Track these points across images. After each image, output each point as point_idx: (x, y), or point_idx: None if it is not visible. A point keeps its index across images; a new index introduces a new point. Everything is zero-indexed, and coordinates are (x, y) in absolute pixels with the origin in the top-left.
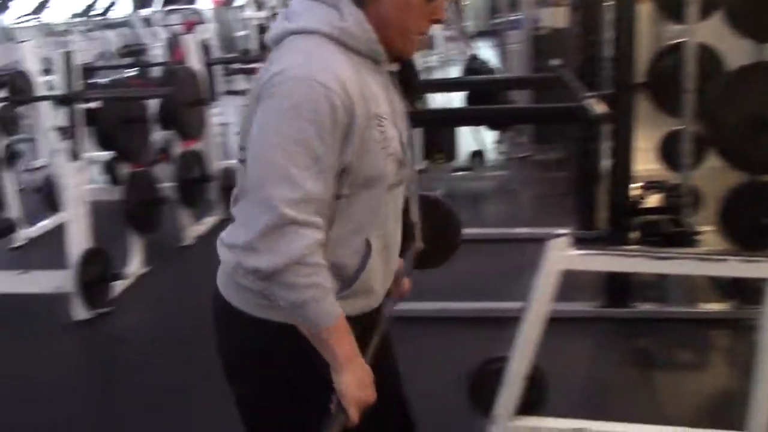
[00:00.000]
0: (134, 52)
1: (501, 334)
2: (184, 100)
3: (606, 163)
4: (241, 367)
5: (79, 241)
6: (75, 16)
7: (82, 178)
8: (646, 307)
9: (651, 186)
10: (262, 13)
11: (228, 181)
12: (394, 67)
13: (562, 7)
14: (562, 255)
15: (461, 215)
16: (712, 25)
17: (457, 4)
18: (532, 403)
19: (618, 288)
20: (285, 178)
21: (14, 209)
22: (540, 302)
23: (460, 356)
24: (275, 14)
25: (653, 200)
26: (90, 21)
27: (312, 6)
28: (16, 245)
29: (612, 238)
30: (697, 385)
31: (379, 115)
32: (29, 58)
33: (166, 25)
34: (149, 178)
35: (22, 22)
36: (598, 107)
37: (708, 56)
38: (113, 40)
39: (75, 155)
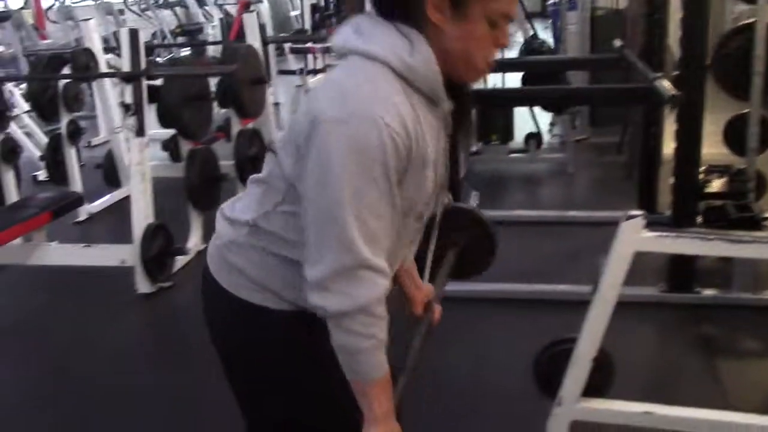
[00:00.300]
0: (189, 31)
1: (558, 317)
2: (245, 79)
3: (668, 146)
4: (229, 353)
5: (142, 216)
6: None
7: (146, 154)
8: (710, 293)
9: (715, 170)
10: None
11: None
12: (449, 106)
13: None
14: (636, 236)
15: (517, 197)
16: None
17: None
18: (598, 386)
19: (683, 273)
20: (363, 227)
21: (77, 184)
22: (611, 284)
23: (522, 338)
24: None
25: (717, 185)
26: (146, 0)
27: (385, 30)
28: (79, 219)
29: (676, 223)
30: (763, 373)
31: (426, 159)
32: (93, 36)
33: (220, 5)
34: (209, 156)
35: (81, 0)
36: (670, 88)
37: None
38: (168, 19)
39: (140, 131)
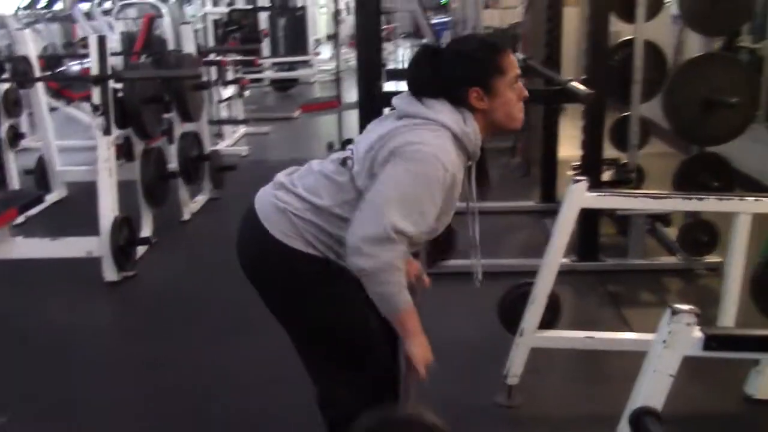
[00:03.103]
0: None
1: (493, 285)
2: (189, 84)
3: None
4: (266, 279)
5: (110, 209)
6: (20, 9)
7: (113, 152)
8: (612, 261)
9: (603, 163)
10: (219, 9)
11: (216, 161)
12: (472, 162)
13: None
14: (582, 196)
15: None
16: (655, 24)
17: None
18: (550, 321)
19: (590, 246)
20: (402, 214)
21: (16, 187)
22: (563, 234)
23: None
24: (233, 11)
25: (607, 174)
26: (34, 14)
27: (448, 108)
28: (17, 222)
29: None
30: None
31: (455, 192)
32: (29, 44)
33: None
34: (162, 155)
35: None
36: (583, 88)
37: (652, 51)
38: (57, 32)
39: (107, 130)
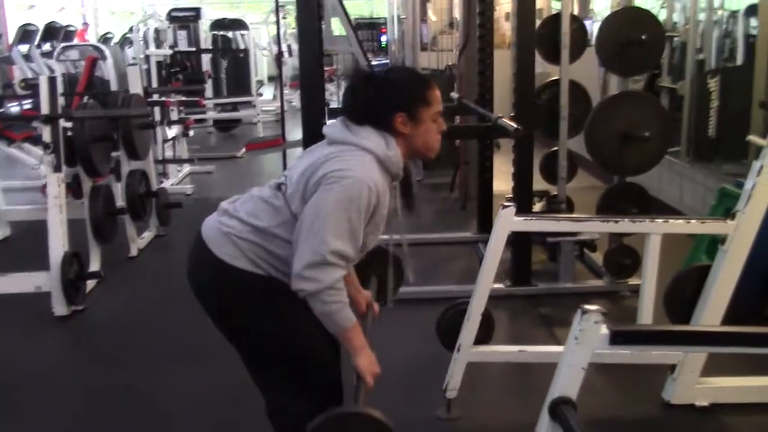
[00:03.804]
0: (33, 85)
1: (432, 308)
2: (136, 123)
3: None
4: (216, 303)
5: (60, 244)
6: None
7: (63, 189)
8: (544, 285)
9: (535, 195)
10: (162, 51)
11: (163, 199)
12: (396, 184)
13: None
14: (510, 220)
15: None
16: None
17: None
18: (484, 338)
19: (522, 272)
20: (337, 236)
21: None
22: (493, 256)
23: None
24: (176, 53)
25: (538, 206)
26: None
27: (373, 133)
28: None
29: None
30: None
31: (381, 212)
32: None
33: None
34: (110, 192)
35: None
36: (512, 124)
37: (577, 90)
38: None
39: (57, 167)
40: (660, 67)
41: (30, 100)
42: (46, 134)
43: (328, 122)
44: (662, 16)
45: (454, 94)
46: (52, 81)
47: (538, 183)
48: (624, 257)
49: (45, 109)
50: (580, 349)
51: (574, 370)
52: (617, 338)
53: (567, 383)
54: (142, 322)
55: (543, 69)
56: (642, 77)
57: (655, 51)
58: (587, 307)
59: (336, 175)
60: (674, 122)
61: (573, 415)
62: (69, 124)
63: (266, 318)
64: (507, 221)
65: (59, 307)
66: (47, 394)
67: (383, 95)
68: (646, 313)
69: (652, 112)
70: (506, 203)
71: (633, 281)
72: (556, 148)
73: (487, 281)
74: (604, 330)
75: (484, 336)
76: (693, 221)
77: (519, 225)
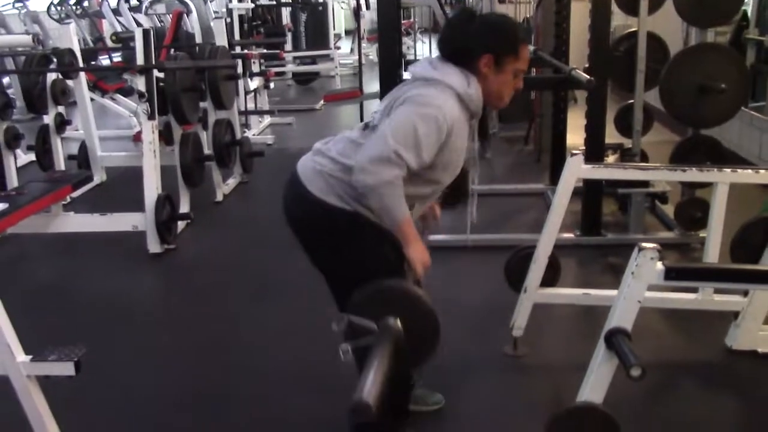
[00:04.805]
0: (124, 38)
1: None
2: (223, 74)
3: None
4: (309, 233)
5: (153, 187)
6: (53, 5)
7: (156, 134)
8: (613, 236)
9: (609, 147)
10: (244, 4)
11: (246, 148)
12: (476, 121)
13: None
14: (578, 167)
15: None
16: (658, 16)
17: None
18: (551, 280)
19: (593, 222)
20: (403, 143)
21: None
22: (561, 202)
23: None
24: (257, 6)
25: (612, 159)
26: (65, 10)
27: (455, 71)
28: (64, 202)
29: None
30: None
31: (456, 144)
32: (73, 38)
33: (148, 14)
34: (198, 139)
35: (7, 9)
36: (585, 76)
37: (655, 42)
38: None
39: (152, 115)
40: (747, 18)
41: (119, 53)
42: (142, 84)
43: (405, 74)
44: None
45: (531, 46)
46: (146, 34)
47: (613, 137)
48: (695, 209)
49: (140, 60)
50: (636, 283)
51: (630, 303)
52: (671, 274)
53: (623, 315)
54: (228, 260)
55: (625, 21)
56: (728, 29)
57: (731, 2)
58: (644, 244)
59: (418, 98)
60: (760, 75)
61: (627, 344)
62: (161, 75)
63: (351, 246)
64: (575, 168)
65: (153, 245)
66: (141, 323)
67: (481, 33)
68: (711, 260)
69: (730, 64)
70: (575, 151)
71: (704, 234)
72: (631, 101)
73: (555, 225)
74: (659, 266)
75: (551, 279)
76: (762, 171)
77: (587, 172)
